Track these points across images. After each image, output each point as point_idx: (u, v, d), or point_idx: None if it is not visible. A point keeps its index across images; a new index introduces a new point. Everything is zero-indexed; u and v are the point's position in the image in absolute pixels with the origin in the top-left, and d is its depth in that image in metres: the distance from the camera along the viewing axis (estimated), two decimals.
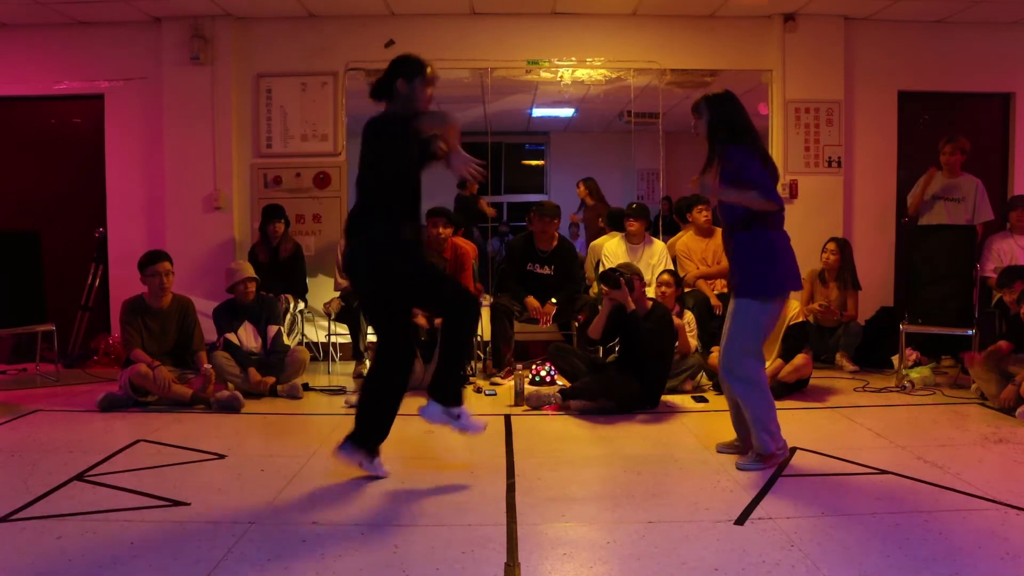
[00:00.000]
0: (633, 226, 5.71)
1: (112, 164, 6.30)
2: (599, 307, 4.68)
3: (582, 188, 7.50)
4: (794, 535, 2.54)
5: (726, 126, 3.28)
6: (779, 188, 3.36)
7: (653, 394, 4.45)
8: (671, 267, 5.53)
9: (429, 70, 3.13)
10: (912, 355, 5.35)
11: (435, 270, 3.14)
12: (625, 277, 4.41)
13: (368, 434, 3.16)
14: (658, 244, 5.83)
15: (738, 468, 3.26)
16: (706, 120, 3.32)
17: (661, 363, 4.49)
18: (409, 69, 3.11)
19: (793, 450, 3.46)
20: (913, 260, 5.39)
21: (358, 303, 5.31)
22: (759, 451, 3.27)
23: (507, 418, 4.25)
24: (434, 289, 3.19)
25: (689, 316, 5.02)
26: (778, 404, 3.41)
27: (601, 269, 5.33)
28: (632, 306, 4.40)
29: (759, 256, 3.26)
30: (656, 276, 5.18)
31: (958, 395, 4.76)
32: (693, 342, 4.95)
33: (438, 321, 4.87)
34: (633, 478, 3.22)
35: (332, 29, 6.23)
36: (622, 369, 4.52)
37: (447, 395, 3.10)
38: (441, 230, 5.32)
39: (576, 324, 5.46)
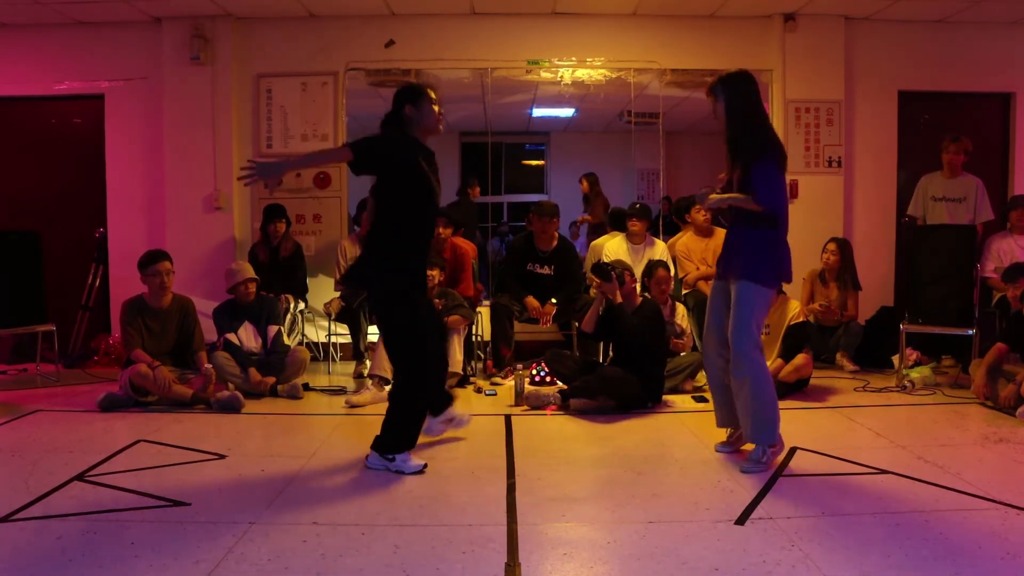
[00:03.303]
0: (636, 226, 5.72)
1: (112, 164, 6.31)
2: None
3: (585, 183, 7.65)
4: (794, 535, 2.54)
5: (743, 109, 3.30)
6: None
7: (654, 390, 4.46)
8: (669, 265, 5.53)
9: (431, 92, 3.34)
10: (912, 355, 5.35)
11: (415, 332, 3.27)
12: (616, 271, 4.44)
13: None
14: (659, 244, 5.84)
15: (743, 471, 3.24)
16: (724, 102, 3.33)
17: (654, 358, 4.49)
18: (413, 94, 3.32)
19: (793, 450, 3.46)
20: (913, 260, 5.38)
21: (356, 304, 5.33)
22: (765, 445, 3.25)
23: (507, 418, 4.25)
24: (400, 348, 3.30)
25: (681, 310, 5.06)
26: (779, 404, 3.39)
27: None
28: (619, 299, 4.42)
29: (769, 246, 3.27)
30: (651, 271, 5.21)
31: (958, 395, 4.76)
32: (688, 341, 4.98)
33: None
34: (633, 478, 3.21)
35: (332, 29, 6.23)
36: (619, 367, 4.52)
37: (378, 445, 3.29)
38: (441, 230, 5.32)
39: (576, 325, 5.46)
